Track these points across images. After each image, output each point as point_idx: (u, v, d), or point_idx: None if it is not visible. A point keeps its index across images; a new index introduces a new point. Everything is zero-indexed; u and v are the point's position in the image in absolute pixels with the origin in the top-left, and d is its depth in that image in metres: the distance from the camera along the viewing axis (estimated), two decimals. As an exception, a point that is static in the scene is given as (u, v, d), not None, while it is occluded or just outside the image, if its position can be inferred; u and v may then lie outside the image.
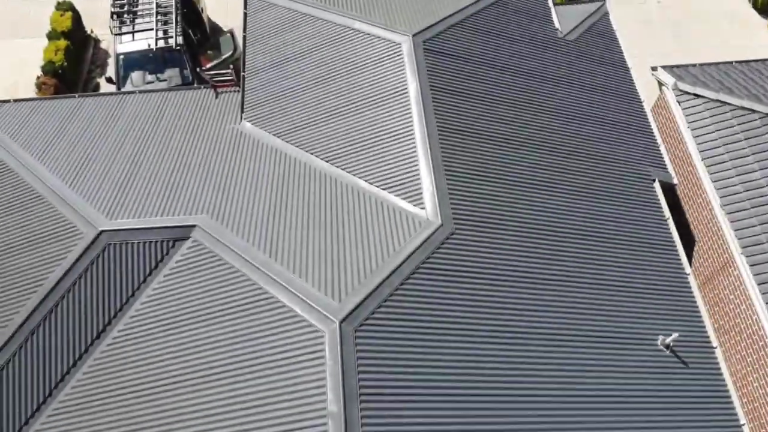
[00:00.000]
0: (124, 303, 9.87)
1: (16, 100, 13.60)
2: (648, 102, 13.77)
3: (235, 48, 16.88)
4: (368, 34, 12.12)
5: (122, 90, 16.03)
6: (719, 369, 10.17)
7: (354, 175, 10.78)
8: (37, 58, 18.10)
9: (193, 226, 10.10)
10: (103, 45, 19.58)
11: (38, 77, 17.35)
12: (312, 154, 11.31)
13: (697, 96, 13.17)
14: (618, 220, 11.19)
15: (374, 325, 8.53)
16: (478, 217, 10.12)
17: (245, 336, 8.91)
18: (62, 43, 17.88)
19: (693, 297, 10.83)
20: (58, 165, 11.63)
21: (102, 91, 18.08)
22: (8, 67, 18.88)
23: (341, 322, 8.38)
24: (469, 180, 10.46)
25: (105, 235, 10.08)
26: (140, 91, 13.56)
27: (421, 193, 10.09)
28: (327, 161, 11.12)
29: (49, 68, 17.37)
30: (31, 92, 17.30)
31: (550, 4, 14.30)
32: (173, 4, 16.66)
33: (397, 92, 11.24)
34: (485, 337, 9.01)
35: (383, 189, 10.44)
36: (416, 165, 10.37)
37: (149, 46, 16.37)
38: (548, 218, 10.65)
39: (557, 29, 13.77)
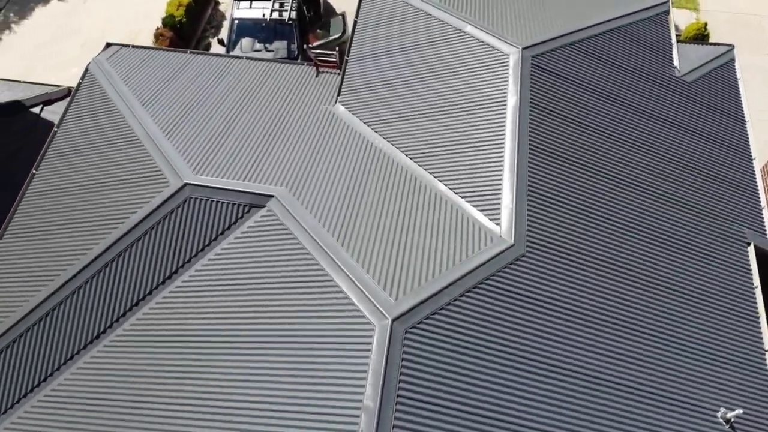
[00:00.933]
0: (192, 256, 10.23)
1: (134, 46, 14.35)
2: (759, 160, 12.86)
3: (344, 31, 17.11)
4: (478, 39, 11.94)
5: (230, 53, 16.61)
6: (781, 458, 9.43)
7: (435, 177, 10.69)
8: (160, 9, 19.07)
9: (271, 196, 10.32)
10: (221, 7, 20.35)
11: (158, 28, 18.28)
12: (398, 148, 11.30)
13: (816, 164, 12.19)
14: (700, 277, 10.54)
15: (425, 331, 8.44)
16: (553, 244, 9.80)
17: (298, 313, 9.03)
18: (185, -1, 18.74)
19: (766, 375, 10.06)
20: (159, 113, 12.18)
21: (212, 51, 18.80)
22: (135, 14, 20.01)
23: (394, 320, 8.34)
24: (551, 205, 10.14)
25: (188, 188, 10.48)
26: (247, 58, 13.96)
27: (499, 209, 9.87)
28: (411, 158, 11.07)
29: (168, 21, 18.25)
30: (149, 41, 18.24)
31: (673, 40, 13.59)
32: (294, -21, 17.08)
33: (495, 103, 11.03)
34: (535, 369, 8.71)
35: (461, 197, 10.29)
36: (500, 179, 10.15)
37: (263, 15, 16.87)
38: (627, 261, 10.17)
39: (675, 67, 13.08)
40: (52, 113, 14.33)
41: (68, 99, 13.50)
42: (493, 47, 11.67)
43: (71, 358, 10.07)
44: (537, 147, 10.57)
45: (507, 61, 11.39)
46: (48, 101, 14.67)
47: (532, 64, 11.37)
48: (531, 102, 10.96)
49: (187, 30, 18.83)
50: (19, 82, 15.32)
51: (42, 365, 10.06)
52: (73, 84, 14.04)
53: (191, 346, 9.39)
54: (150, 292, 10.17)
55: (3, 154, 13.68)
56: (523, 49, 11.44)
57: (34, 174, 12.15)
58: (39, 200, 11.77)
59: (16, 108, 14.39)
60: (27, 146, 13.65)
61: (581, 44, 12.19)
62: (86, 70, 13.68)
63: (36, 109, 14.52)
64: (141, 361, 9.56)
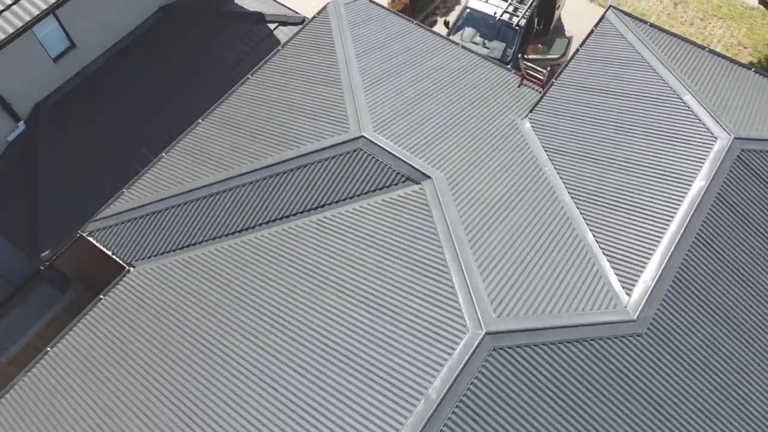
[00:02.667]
0: (340, 199, 11.07)
1: (371, 1, 15.41)
2: None
3: (564, 54, 16.96)
4: (692, 111, 11.37)
5: (450, 37, 17.22)
6: None
7: (587, 224, 10.53)
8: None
9: (429, 177, 10.83)
10: (460, -8, 20.96)
11: (398, -8, 19.38)
12: (564, 183, 11.23)
13: None
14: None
15: (511, 357, 8.54)
16: (677, 339, 9.29)
17: (406, 288, 9.52)
18: (432, -25, 19.60)
19: None
20: (367, 68, 13.11)
21: (434, 29, 19.58)
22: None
23: (488, 333, 8.54)
24: (692, 301, 9.56)
25: (362, 141, 11.32)
26: (463, 46, 14.44)
27: (636, 281, 9.53)
28: (573, 197, 10.97)
29: (408, -11, 19.26)
30: (384, 1, 19.41)
31: None
32: (537, -10, 17.18)
33: (680, 179, 10.52)
34: (602, 444, 8.48)
35: (604, 253, 10.07)
36: (650, 254, 9.77)
37: (495, 13, 17.21)
38: (749, 395, 9.36)
39: None
40: (283, 33, 15.98)
41: (300, 27, 14.99)
42: (703, 124, 11.06)
43: (207, 240, 11.47)
44: (704, 240, 9.97)
45: (713, 144, 10.76)
46: (283, 23, 16.33)
47: (738, 156, 10.64)
48: (719, 193, 10.30)
49: (421, 2, 19.76)
50: (268, -2, 17.19)
51: (182, 236, 11.60)
52: (309, 15, 15.49)
53: (299, 273, 10.30)
54: (291, 215, 11.21)
55: (239, 53, 15.62)
56: (735, 138, 10.71)
57: (248, 78, 13.77)
58: (241, 101, 13.36)
59: (258, 19, 16.26)
60: (255, 53, 15.46)
61: (804, 158, 11.11)
62: (324, 7, 15.02)
63: (272, 26, 16.27)
64: (256, 267, 10.68)
